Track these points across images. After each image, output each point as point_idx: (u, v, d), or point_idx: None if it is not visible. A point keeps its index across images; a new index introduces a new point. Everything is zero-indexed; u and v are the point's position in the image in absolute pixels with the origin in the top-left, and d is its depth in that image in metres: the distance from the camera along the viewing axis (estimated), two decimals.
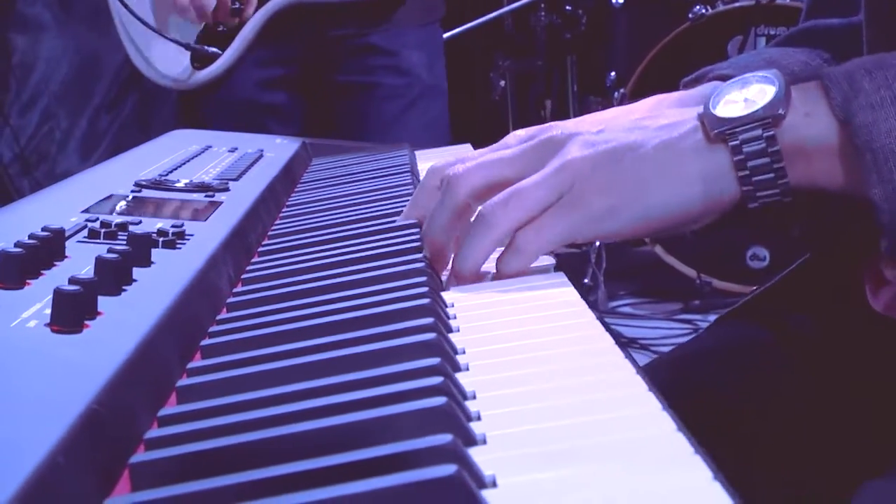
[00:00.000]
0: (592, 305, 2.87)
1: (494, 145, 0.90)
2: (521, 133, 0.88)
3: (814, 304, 1.04)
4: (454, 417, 0.53)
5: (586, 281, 3.46)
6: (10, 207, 1.01)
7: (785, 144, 0.77)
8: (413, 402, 0.54)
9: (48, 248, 0.79)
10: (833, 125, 0.76)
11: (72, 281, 0.67)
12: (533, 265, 0.84)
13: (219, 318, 0.78)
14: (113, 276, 0.73)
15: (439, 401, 0.53)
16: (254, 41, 2.16)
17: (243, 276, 0.90)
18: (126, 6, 2.12)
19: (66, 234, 0.88)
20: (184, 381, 0.64)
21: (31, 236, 0.78)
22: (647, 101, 0.91)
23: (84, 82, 4.35)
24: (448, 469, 0.45)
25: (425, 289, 0.75)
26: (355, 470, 0.48)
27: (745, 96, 0.79)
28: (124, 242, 0.83)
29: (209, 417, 0.58)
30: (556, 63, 3.64)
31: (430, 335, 0.65)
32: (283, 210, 1.22)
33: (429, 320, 0.68)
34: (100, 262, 0.73)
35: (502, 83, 3.76)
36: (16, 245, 0.75)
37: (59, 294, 0.64)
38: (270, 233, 1.09)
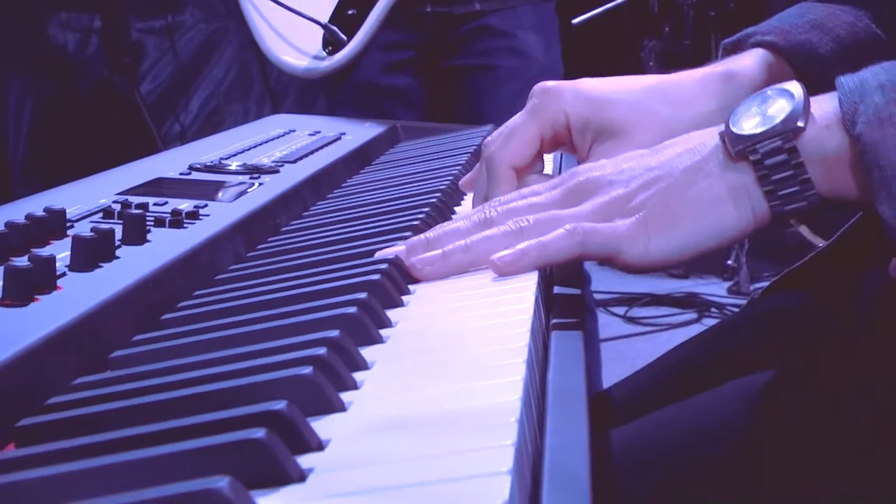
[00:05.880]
0: (735, 287, 2.77)
1: (523, 190, 0.88)
2: (549, 182, 0.86)
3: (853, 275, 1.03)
4: (318, 386, 0.55)
5: (730, 262, 3.40)
6: (58, 189, 1.07)
7: (808, 156, 0.75)
8: (286, 370, 0.56)
9: (44, 228, 0.83)
10: (847, 138, 0.74)
11: (30, 258, 0.72)
12: None
13: (196, 293, 0.82)
14: (84, 254, 0.77)
15: (305, 370, 0.55)
16: (382, 24, 2.19)
17: (248, 254, 0.93)
18: None
19: (83, 214, 0.93)
20: (118, 353, 0.68)
21: (27, 217, 0.83)
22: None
23: (249, 76, 4.49)
24: (256, 433, 0.47)
25: (384, 265, 0.77)
26: (199, 432, 0.51)
27: (765, 111, 0.78)
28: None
29: (114, 385, 0.61)
30: (703, 42, 3.58)
31: (352, 309, 0.67)
32: (336, 191, 1.25)
33: (362, 295, 0.70)
34: (74, 241, 0.77)
35: (651, 64, 3.72)
36: (5, 225, 0.80)
37: (7, 269, 0.69)
38: (305, 213, 1.12)
